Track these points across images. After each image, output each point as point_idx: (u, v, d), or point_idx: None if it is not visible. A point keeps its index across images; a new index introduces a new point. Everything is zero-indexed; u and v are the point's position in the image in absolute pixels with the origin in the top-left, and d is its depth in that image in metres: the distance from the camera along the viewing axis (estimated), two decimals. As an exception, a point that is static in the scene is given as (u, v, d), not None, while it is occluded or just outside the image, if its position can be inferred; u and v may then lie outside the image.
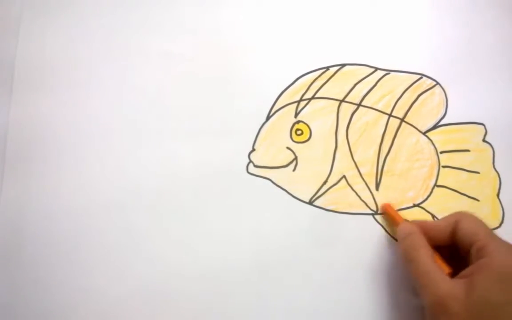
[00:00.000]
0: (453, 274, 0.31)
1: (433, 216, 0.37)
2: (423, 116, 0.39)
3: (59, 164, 0.38)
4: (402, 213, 0.37)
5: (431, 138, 0.39)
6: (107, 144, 0.38)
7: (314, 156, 0.38)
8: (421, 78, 0.40)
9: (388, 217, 0.37)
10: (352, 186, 0.38)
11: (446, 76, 0.40)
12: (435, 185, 0.38)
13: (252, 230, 0.37)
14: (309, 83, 0.40)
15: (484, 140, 0.39)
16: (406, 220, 0.36)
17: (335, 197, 0.38)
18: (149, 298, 0.36)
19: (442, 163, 0.39)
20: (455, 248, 0.33)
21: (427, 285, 0.30)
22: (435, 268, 0.31)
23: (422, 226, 0.34)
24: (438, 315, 0.30)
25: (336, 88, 0.39)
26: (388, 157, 0.38)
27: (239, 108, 0.39)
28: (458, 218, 0.33)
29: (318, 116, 0.39)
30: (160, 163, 0.38)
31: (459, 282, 0.30)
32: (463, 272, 0.30)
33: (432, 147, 0.39)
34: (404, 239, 0.34)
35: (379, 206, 0.38)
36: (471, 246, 0.31)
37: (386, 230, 0.37)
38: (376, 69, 0.40)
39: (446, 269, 0.32)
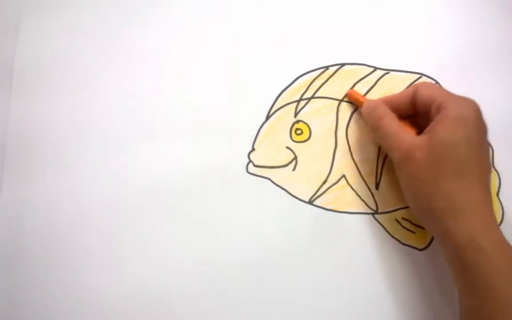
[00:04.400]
0: (419, 134, 0.34)
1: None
2: (423, 116, 0.39)
3: (59, 165, 0.38)
4: (401, 212, 0.37)
5: (431, 137, 0.39)
6: (107, 144, 0.38)
7: (314, 156, 0.38)
8: (420, 77, 0.40)
9: (355, 101, 0.39)
10: (352, 185, 0.38)
11: (445, 76, 0.40)
12: (435, 184, 0.38)
13: (252, 230, 0.37)
14: (309, 83, 0.40)
15: (483, 140, 0.39)
16: (370, 99, 0.38)
17: (335, 197, 0.38)
18: (149, 298, 0.36)
19: (441, 163, 0.39)
20: (419, 116, 0.35)
21: (393, 143, 0.34)
22: (399, 129, 0.34)
23: (384, 100, 0.37)
24: (404, 165, 0.33)
25: (335, 87, 0.40)
26: (388, 157, 0.38)
27: (239, 108, 0.39)
28: (416, 86, 0.35)
29: (318, 116, 0.39)
30: (160, 163, 0.38)
31: (422, 135, 0.33)
32: (426, 129, 0.33)
33: (432, 147, 0.39)
34: (369, 113, 0.36)
35: (346, 94, 0.39)
36: (430, 108, 0.34)
37: (386, 230, 0.37)
38: (376, 68, 0.40)
39: (411, 130, 0.35)
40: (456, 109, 0.32)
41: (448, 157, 0.31)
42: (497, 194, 0.38)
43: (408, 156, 0.32)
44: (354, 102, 0.39)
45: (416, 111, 0.35)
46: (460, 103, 0.33)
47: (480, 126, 0.32)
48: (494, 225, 0.31)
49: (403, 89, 0.39)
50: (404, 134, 0.33)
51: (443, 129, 0.31)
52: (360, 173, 0.38)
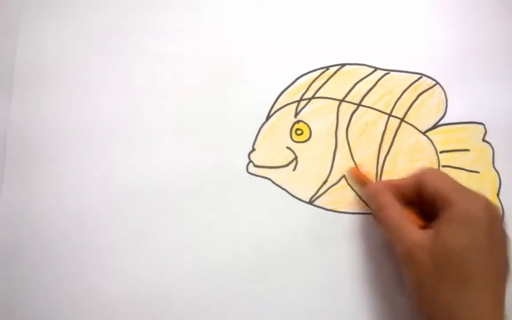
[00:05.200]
0: (424, 228, 0.32)
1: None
2: (423, 116, 0.39)
3: (59, 164, 0.38)
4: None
5: (431, 137, 0.39)
6: (107, 144, 0.38)
7: (314, 156, 0.38)
8: (420, 77, 0.40)
9: (357, 180, 0.37)
10: (352, 185, 0.38)
11: (445, 76, 0.40)
12: (435, 184, 0.38)
13: (252, 230, 0.37)
14: (309, 83, 0.40)
15: (483, 140, 0.39)
16: (373, 181, 0.36)
17: (335, 197, 0.38)
18: (148, 298, 0.36)
19: (442, 163, 0.39)
20: (425, 203, 0.33)
21: (397, 238, 0.31)
22: (403, 222, 0.31)
23: (389, 185, 0.35)
24: (406, 264, 0.31)
25: (336, 87, 0.40)
26: (388, 157, 0.38)
27: (239, 108, 0.39)
28: (422, 174, 0.33)
29: (318, 116, 0.39)
30: (159, 163, 0.38)
31: (427, 232, 0.30)
32: (431, 224, 0.31)
33: (432, 147, 0.39)
34: (372, 201, 0.35)
35: (347, 172, 0.38)
36: (437, 200, 0.31)
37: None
38: (376, 68, 0.40)
39: (417, 222, 0.32)
40: (463, 207, 0.30)
41: (452, 264, 0.28)
42: (497, 194, 0.38)
43: (410, 256, 0.30)
44: (355, 182, 0.38)
45: (422, 201, 0.33)
46: (468, 199, 0.30)
47: (492, 226, 0.29)
48: None
49: (403, 87, 0.39)
50: (407, 229, 0.31)
51: (448, 230, 0.29)
52: (360, 174, 0.38)
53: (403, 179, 0.35)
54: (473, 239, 0.29)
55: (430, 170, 0.34)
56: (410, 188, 0.33)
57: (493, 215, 0.30)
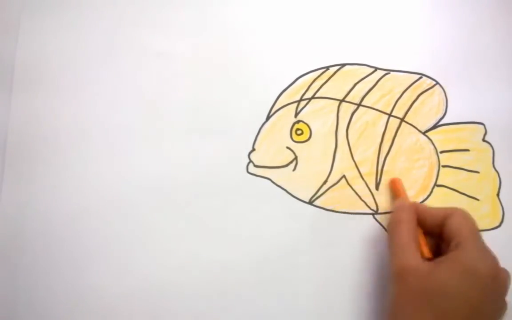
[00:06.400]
0: (428, 259, 0.32)
1: (433, 215, 0.37)
2: (423, 116, 0.39)
3: (59, 164, 0.38)
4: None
5: (431, 137, 0.39)
6: (107, 144, 0.38)
7: (314, 156, 0.38)
8: (421, 78, 0.40)
9: (393, 190, 0.37)
10: (352, 185, 0.38)
11: (445, 76, 0.40)
12: (435, 184, 0.38)
13: (252, 230, 0.37)
14: (309, 83, 0.40)
15: (484, 140, 0.39)
16: (406, 197, 0.36)
17: (335, 197, 0.38)
18: (149, 297, 0.36)
19: (442, 163, 0.39)
20: (443, 239, 0.32)
21: (397, 254, 0.31)
22: (410, 243, 0.31)
23: (416, 207, 0.34)
24: (395, 282, 0.31)
25: (336, 87, 0.40)
26: (388, 157, 0.38)
27: (239, 108, 0.39)
28: (450, 212, 0.32)
29: (318, 116, 0.39)
30: (159, 162, 0.38)
31: (427, 263, 0.30)
32: (436, 259, 0.31)
33: (432, 147, 0.39)
34: (394, 212, 0.34)
35: (388, 180, 0.38)
36: (452, 240, 0.31)
37: (386, 230, 0.37)
38: (376, 69, 0.40)
39: (425, 252, 0.32)
40: (471, 257, 0.29)
41: (437, 303, 0.28)
42: (497, 194, 0.38)
43: (402, 276, 0.30)
44: (391, 191, 0.38)
45: (441, 236, 0.32)
46: (480, 253, 0.30)
47: (490, 289, 0.29)
48: None
49: (403, 87, 0.39)
50: (410, 251, 0.31)
51: (446, 270, 0.29)
52: (360, 174, 0.38)
53: (432, 208, 0.34)
54: (466, 290, 0.28)
55: (459, 211, 0.33)
56: (434, 218, 0.33)
57: (497, 279, 0.29)
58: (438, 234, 0.33)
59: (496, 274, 0.29)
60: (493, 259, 0.30)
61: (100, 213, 0.37)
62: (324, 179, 0.38)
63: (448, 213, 0.32)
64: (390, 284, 0.32)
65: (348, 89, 0.39)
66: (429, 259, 0.32)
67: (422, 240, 0.33)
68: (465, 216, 0.32)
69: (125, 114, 0.39)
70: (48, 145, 0.38)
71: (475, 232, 0.31)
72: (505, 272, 0.31)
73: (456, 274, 0.29)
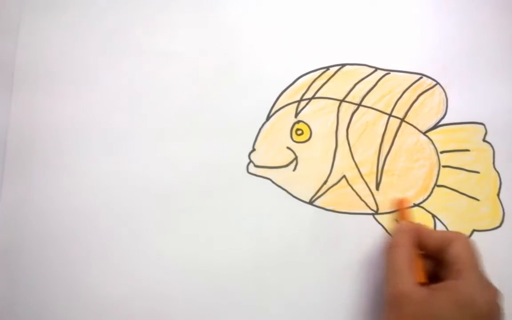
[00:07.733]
0: (424, 285, 0.31)
1: (434, 215, 0.37)
2: (423, 116, 0.39)
3: (59, 164, 0.38)
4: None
5: (431, 138, 0.39)
6: (107, 144, 0.38)
7: (314, 156, 0.38)
8: (421, 78, 0.40)
9: (399, 209, 0.37)
10: (352, 186, 0.38)
11: (446, 76, 0.40)
12: (435, 184, 0.38)
13: (252, 230, 0.37)
14: (309, 83, 0.40)
15: (484, 140, 0.39)
16: (407, 221, 0.36)
17: (335, 197, 0.38)
18: (149, 297, 0.36)
19: (442, 163, 0.39)
20: (442, 264, 0.32)
21: (391, 279, 0.31)
22: (405, 269, 0.31)
23: (418, 228, 0.34)
24: (389, 308, 0.30)
25: (336, 88, 0.40)
26: (388, 157, 0.38)
27: (239, 108, 0.39)
28: (453, 237, 0.32)
29: (318, 116, 0.39)
30: (160, 163, 0.38)
31: (422, 289, 0.30)
32: (432, 286, 0.30)
33: (432, 147, 0.39)
34: (396, 232, 0.34)
35: (396, 201, 0.37)
36: (451, 267, 0.30)
37: (386, 230, 0.37)
38: (376, 69, 0.40)
39: (420, 277, 0.31)
40: (469, 286, 0.29)
41: None
42: (498, 195, 0.38)
43: (396, 303, 0.30)
44: (397, 210, 0.37)
45: (441, 261, 0.32)
46: (478, 284, 0.29)
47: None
48: None
49: (404, 87, 0.39)
50: (405, 277, 0.30)
51: (442, 298, 0.29)
52: (360, 174, 0.38)
53: (436, 231, 0.34)
54: None
55: (462, 237, 0.32)
56: (436, 241, 0.32)
57: (495, 313, 0.29)
58: (439, 258, 0.32)
59: (494, 308, 0.29)
60: (491, 291, 0.30)
61: (99, 213, 0.37)
62: (325, 179, 0.38)
63: (451, 238, 0.32)
64: (384, 310, 0.31)
65: (348, 89, 0.39)
66: (425, 284, 0.31)
67: (419, 264, 0.32)
68: (467, 243, 0.31)
69: (125, 114, 0.39)
70: (48, 145, 0.38)
71: (476, 261, 0.31)
72: (500, 304, 0.30)
73: (452, 304, 0.28)
